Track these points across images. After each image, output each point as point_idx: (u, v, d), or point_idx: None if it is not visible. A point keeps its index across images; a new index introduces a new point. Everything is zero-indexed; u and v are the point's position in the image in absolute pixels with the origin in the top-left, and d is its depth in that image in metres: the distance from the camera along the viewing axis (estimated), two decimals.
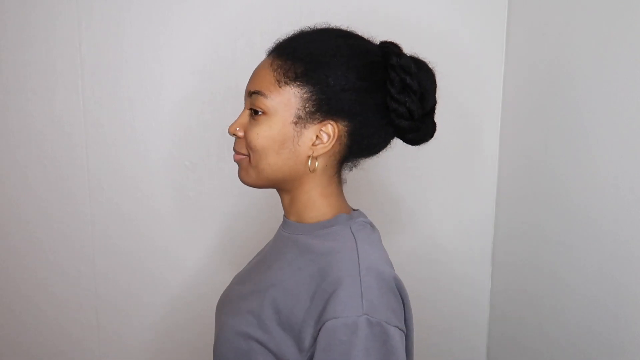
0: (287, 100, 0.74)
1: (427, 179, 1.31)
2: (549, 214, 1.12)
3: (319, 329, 0.66)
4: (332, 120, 0.75)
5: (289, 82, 0.74)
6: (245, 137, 0.77)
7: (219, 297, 0.90)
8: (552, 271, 1.11)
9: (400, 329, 0.69)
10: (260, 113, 0.75)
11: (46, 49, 1.26)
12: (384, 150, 0.84)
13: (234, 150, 0.81)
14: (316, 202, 0.80)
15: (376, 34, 1.28)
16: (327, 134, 0.75)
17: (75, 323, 1.37)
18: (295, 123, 0.74)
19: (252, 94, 0.76)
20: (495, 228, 1.34)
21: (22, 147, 1.31)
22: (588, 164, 1.00)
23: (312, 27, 0.80)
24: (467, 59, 1.27)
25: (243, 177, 0.81)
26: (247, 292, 0.81)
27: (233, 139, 0.81)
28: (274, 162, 0.76)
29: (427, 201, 1.33)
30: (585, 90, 1.00)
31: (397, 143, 1.30)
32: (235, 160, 0.81)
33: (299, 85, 0.74)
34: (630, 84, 0.89)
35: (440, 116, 1.31)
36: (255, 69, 0.79)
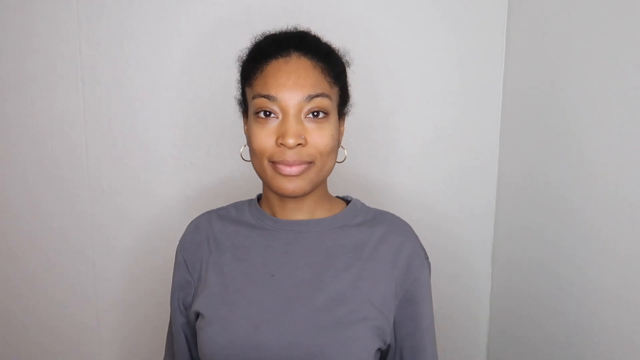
0: (335, 99, 0.79)
1: (427, 179, 1.31)
2: (549, 213, 1.12)
3: (409, 285, 0.81)
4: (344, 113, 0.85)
5: (333, 83, 0.79)
6: (310, 142, 0.75)
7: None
8: (552, 271, 1.11)
9: None
10: (323, 115, 0.76)
11: (46, 49, 1.26)
12: None
13: (289, 162, 0.75)
14: (328, 193, 0.86)
15: (374, 35, 1.28)
16: (343, 125, 0.85)
17: (75, 324, 1.37)
18: (338, 120, 0.81)
19: (313, 97, 0.75)
20: (495, 228, 1.34)
21: (22, 147, 1.31)
22: (588, 163, 1.00)
23: (300, 28, 0.83)
24: (467, 59, 1.27)
25: (303, 188, 0.76)
26: (329, 302, 0.77)
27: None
28: (334, 161, 0.81)
29: (427, 201, 1.32)
30: (585, 91, 1.00)
31: (397, 143, 1.31)
32: (292, 174, 0.75)
33: (336, 85, 0.80)
34: (630, 84, 0.88)
35: (440, 116, 1.32)
36: (292, 71, 0.75)
